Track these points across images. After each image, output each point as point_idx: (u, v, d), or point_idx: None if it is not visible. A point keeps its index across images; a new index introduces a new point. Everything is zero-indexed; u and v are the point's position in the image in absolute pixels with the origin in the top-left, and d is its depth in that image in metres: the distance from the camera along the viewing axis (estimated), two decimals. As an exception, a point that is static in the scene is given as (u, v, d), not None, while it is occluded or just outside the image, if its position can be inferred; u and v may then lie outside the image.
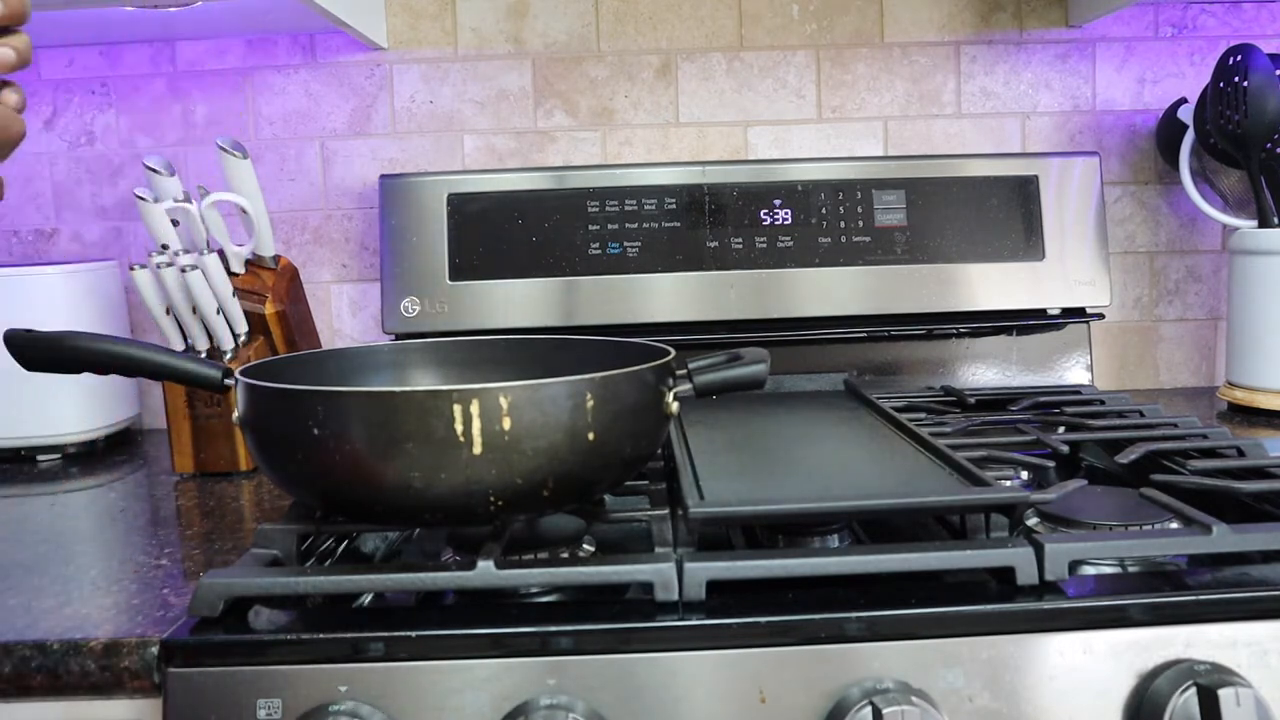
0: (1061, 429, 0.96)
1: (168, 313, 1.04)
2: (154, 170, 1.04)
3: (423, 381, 0.87)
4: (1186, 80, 1.28)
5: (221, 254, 1.07)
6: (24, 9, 0.64)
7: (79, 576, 0.74)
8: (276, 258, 1.13)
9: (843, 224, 1.18)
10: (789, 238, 1.17)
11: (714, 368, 0.73)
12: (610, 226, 1.18)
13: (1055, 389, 1.14)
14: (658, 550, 0.69)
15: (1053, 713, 0.60)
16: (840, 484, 0.72)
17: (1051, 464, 0.82)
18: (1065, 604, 0.61)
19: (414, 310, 1.17)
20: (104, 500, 0.97)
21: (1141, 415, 0.99)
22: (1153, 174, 1.30)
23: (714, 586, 0.62)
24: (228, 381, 0.75)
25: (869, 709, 0.57)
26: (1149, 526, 0.70)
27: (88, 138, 1.29)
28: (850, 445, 0.84)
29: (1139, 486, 0.77)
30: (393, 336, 1.18)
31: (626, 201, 1.18)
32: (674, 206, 1.18)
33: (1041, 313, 1.19)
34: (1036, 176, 1.19)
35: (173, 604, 0.67)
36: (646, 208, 1.18)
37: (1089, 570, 0.67)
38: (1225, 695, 0.56)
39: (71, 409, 1.15)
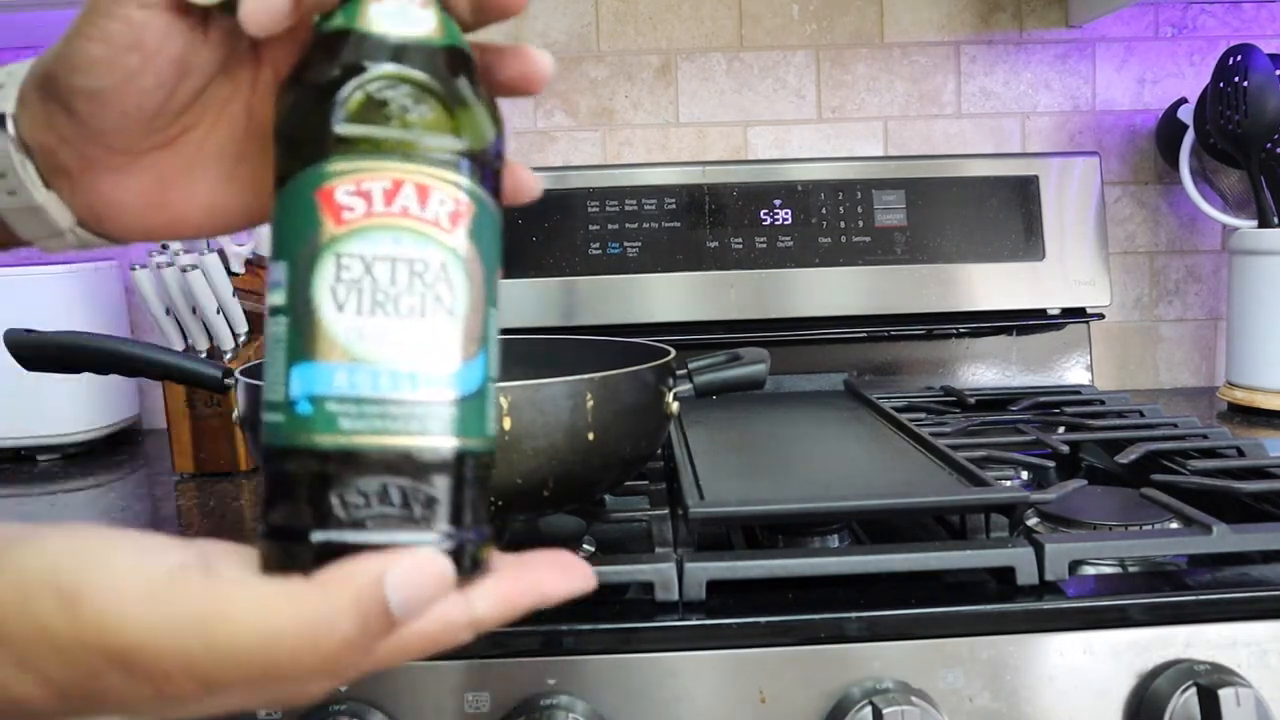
0: (1061, 429, 0.96)
1: (167, 313, 1.04)
2: (154, 170, 1.03)
3: (423, 381, 0.86)
4: (1186, 80, 1.28)
5: (222, 254, 1.07)
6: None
7: (79, 576, 0.74)
8: (276, 258, 1.12)
9: (843, 224, 1.18)
10: (789, 238, 1.17)
11: (714, 368, 0.73)
12: (610, 226, 1.18)
13: (1055, 389, 1.14)
14: (658, 550, 0.69)
15: (1053, 713, 0.60)
16: (840, 484, 0.72)
17: (1051, 464, 0.82)
18: (1065, 604, 0.61)
19: (414, 310, 1.17)
20: (104, 500, 0.97)
21: (1141, 415, 0.99)
22: (1153, 174, 1.30)
23: (714, 586, 0.62)
24: (228, 381, 0.75)
25: (869, 709, 0.57)
26: (1149, 526, 0.70)
27: (88, 138, 1.29)
28: (850, 445, 0.84)
29: (1139, 486, 0.76)
30: (393, 336, 1.18)
31: (626, 201, 1.18)
32: (674, 206, 1.18)
33: (1041, 313, 1.19)
34: (1036, 176, 1.19)
35: (173, 604, 0.67)
36: (646, 208, 1.18)
37: (1089, 570, 0.67)
38: (1225, 695, 0.56)
39: (71, 409, 1.15)
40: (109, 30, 0.33)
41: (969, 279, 1.17)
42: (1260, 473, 0.79)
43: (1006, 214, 1.18)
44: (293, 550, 0.32)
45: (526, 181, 0.40)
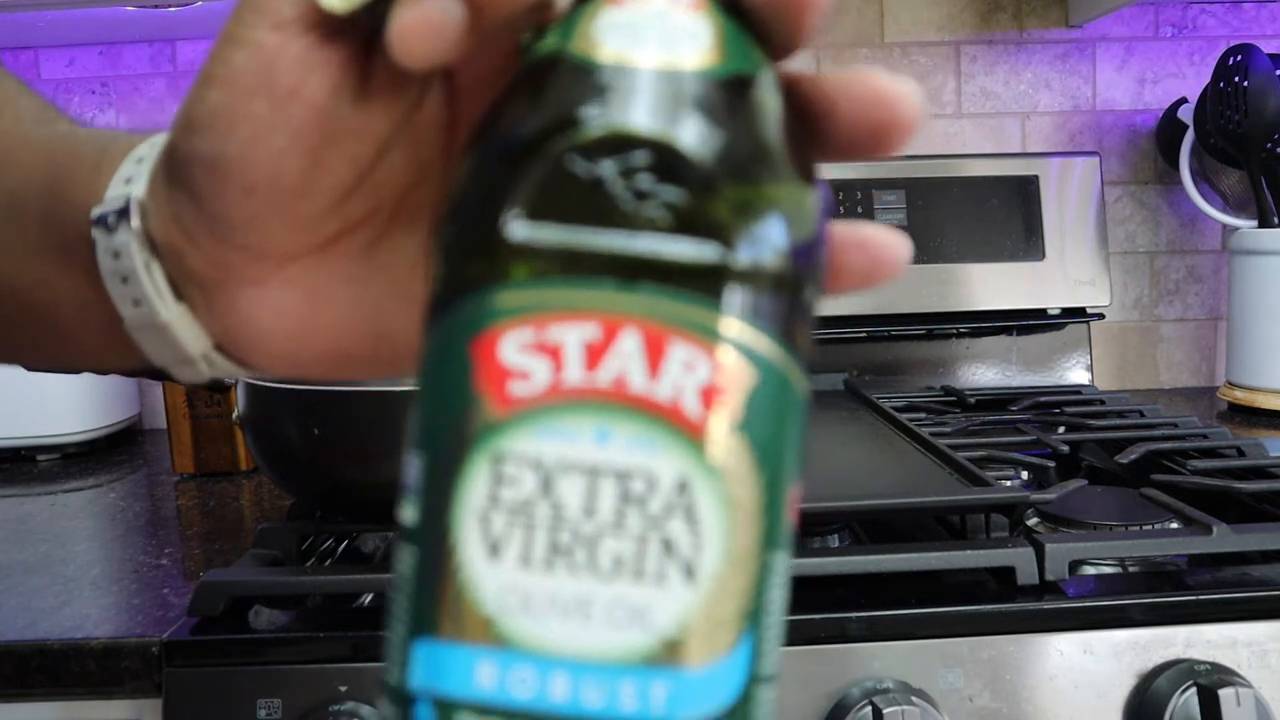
0: (1061, 429, 0.96)
1: (168, 313, 1.04)
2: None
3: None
4: (1186, 80, 1.28)
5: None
6: None
7: (79, 576, 0.74)
8: (276, 258, 1.12)
9: (843, 224, 1.18)
10: (789, 238, 1.17)
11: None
12: (610, 226, 1.18)
13: (1055, 389, 1.14)
14: (658, 550, 0.69)
15: (1053, 713, 0.60)
16: (840, 484, 0.72)
17: (1051, 464, 0.82)
18: (1065, 604, 0.61)
19: (414, 310, 1.17)
20: (104, 500, 0.97)
21: (1141, 415, 0.99)
22: (1153, 174, 1.30)
23: (714, 586, 0.62)
24: (228, 381, 0.75)
25: (869, 709, 0.57)
26: (1149, 526, 0.70)
27: (88, 138, 1.29)
28: (850, 445, 0.84)
29: (1139, 486, 0.77)
30: (393, 336, 1.18)
31: (626, 201, 1.18)
32: (674, 206, 1.18)
33: (1041, 313, 1.19)
34: (1036, 176, 1.19)
35: (173, 604, 0.67)
36: (646, 208, 1.18)
37: (1089, 570, 0.67)
38: (1225, 695, 0.56)
39: (71, 409, 1.15)
40: (233, 65, 0.24)
41: (969, 279, 1.17)
42: (1260, 473, 0.79)
43: (1006, 214, 1.18)
44: None
45: (889, 253, 0.24)
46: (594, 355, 0.18)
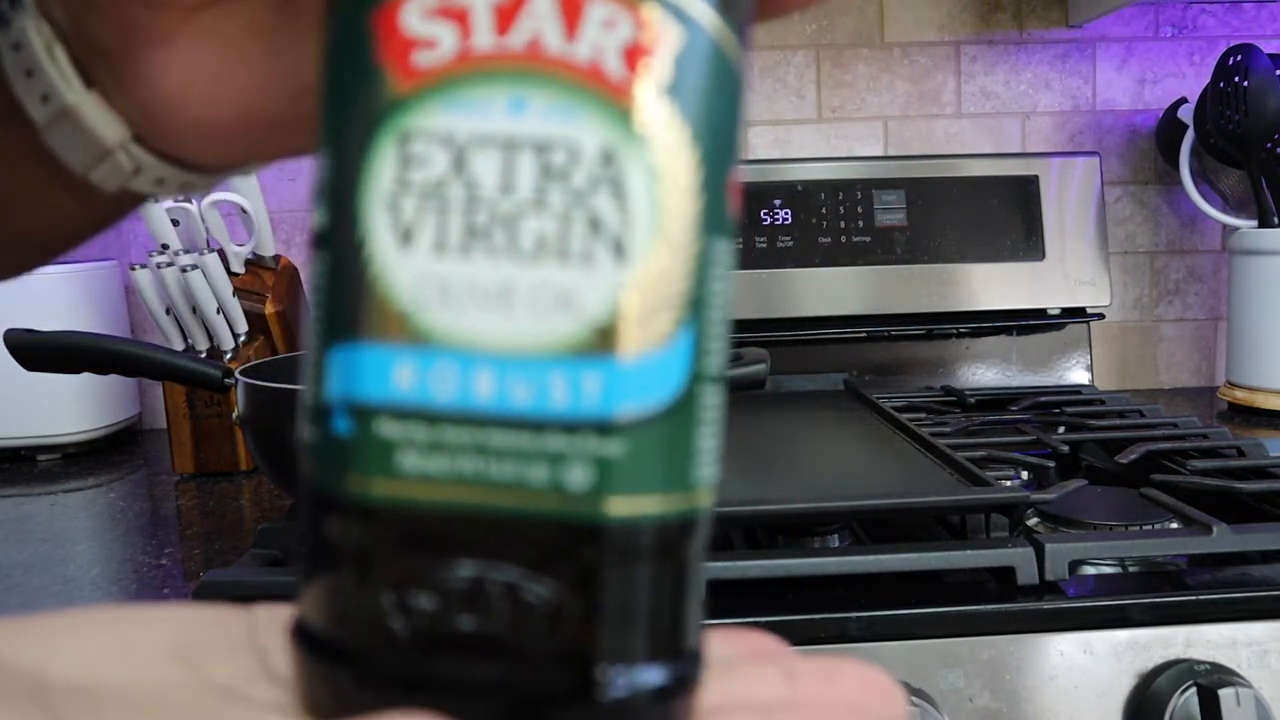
0: (1061, 429, 0.96)
1: (168, 313, 1.04)
2: (154, 170, 1.03)
3: (423, 381, 0.86)
4: (1186, 80, 1.28)
5: (221, 254, 1.07)
6: None
7: (79, 576, 0.74)
8: (277, 257, 1.13)
9: (843, 224, 1.18)
10: (789, 238, 1.17)
11: (714, 368, 0.73)
12: (610, 226, 1.18)
13: (1055, 389, 1.14)
14: (658, 550, 0.69)
15: (1053, 713, 0.60)
16: (840, 484, 0.72)
17: (1051, 464, 0.82)
18: (1065, 604, 0.61)
19: (414, 310, 1.17)
20: (104, 500, 0.97)
21: (1141, 415, 0.99)
22: (1153, 174, 1.30)
23: (714, 586, 0.62)
24: (228, 381, 0.75)
25: (869, 709, 0.57)
26: (1149, 526, 0.70)
27: (88, 138, 1.29)
28: (850, 445, 0.84)
29: (1139, 486, 0.77)
30: (393, 336, 1.18)
31: (626, 201, 1.18)
32: (674, 206, 1.18)
33: (1041, 313, 1.19)
34: (1036, 176, 1.19)
35: (173, 604, 0.67)
36: (646, 208, 1.18)
37: (1089, 570, 0.67)
38: (1225, 695, 0.56)
39: (71, 409, 1.15)
40: None
41: (969, 279, 1.17)
42: (1260, 473, 0.79)
43: (1006, 214, 1.18)
44: (331, 678, 0.18)
45: None
46: (505, 17, 0.17)
